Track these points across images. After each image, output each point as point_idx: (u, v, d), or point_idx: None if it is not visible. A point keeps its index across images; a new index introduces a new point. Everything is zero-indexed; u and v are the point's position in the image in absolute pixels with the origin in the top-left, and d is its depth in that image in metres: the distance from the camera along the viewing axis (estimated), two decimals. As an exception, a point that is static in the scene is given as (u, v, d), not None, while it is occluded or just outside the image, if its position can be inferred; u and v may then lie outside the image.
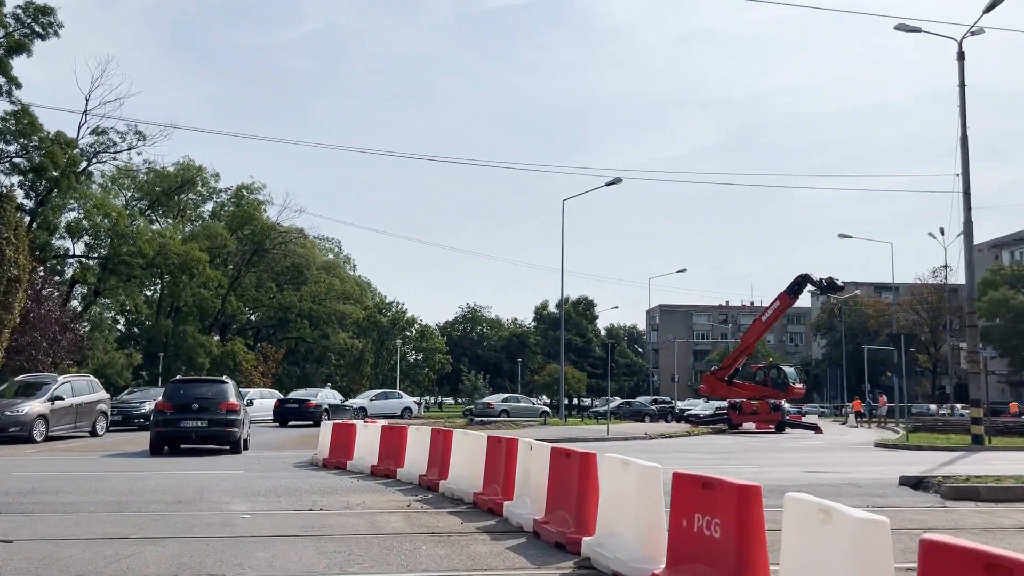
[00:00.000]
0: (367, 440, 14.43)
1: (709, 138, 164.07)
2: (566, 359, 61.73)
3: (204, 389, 18.50)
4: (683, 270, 56.86)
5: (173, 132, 52.21)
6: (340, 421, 17.67)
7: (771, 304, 39.84)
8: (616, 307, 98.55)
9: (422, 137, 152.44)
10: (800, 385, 39.62)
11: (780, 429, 38.59)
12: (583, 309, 68.10)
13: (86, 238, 39.95)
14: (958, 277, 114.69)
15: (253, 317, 68.88)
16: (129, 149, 38.17)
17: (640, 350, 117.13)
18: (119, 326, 60.41)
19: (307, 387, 72.52)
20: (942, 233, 53.62)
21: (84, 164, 39.58)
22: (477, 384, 63.44)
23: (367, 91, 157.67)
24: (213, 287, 55.95)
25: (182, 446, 18.27)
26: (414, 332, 65.16)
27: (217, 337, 60.57)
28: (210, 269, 57.07)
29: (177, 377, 22.68)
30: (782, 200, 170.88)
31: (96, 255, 41.39)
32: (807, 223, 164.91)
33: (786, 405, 40.42)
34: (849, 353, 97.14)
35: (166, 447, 17.84)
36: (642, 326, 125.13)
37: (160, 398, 19.15)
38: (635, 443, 26.55)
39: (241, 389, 32.33)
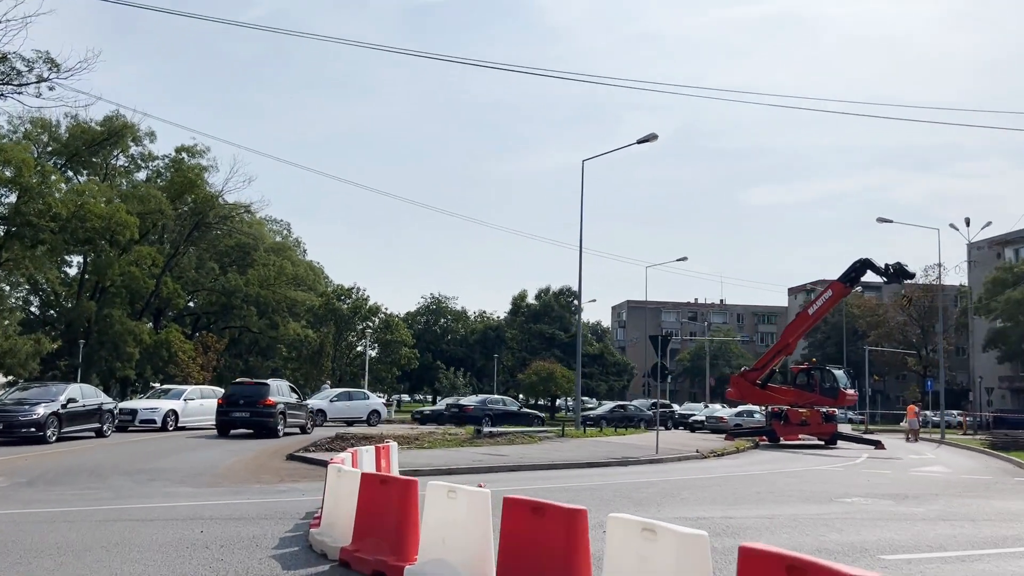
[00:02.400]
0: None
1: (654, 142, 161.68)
2: (549, 355, 55.13)
3: (251, 389, 25.00)
4: (684, 258, 50.74)
5: (95, 81, 43.55)
6: (371, 472, 10.38)
7: (820, 295, 33.75)
8: (594, 300, 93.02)
9: (366, 128, 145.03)
10: (852, 391, 33.57)
11: (832, 442, 32.48)
12: (566, 300, 61.50)
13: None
14: (956, 276, 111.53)
15: (192, 303, 60.54)
16: (39, 82, 30.05)
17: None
18: (32, 308, 51.63)
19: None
20: (967, 224, 48.19)
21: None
22: (456, 382, 56.39)
23: (311, 79, 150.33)
24: (146, 265, 47.76)
25: (231, 431, 24.70)
26: (377, 322, 57.67)
27: (150, 324, 52.30)
28: (143, 246, 48.93)
29: (236, 380, 29.00)
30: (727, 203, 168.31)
31: (-9, 214, 33.07)
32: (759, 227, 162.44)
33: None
34: (830, 355, 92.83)
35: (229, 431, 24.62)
36: (606, 323, 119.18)
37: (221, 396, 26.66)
38: (723, 471, 19.90)
39: (179, 386, 31.87)
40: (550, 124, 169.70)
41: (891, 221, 41.02)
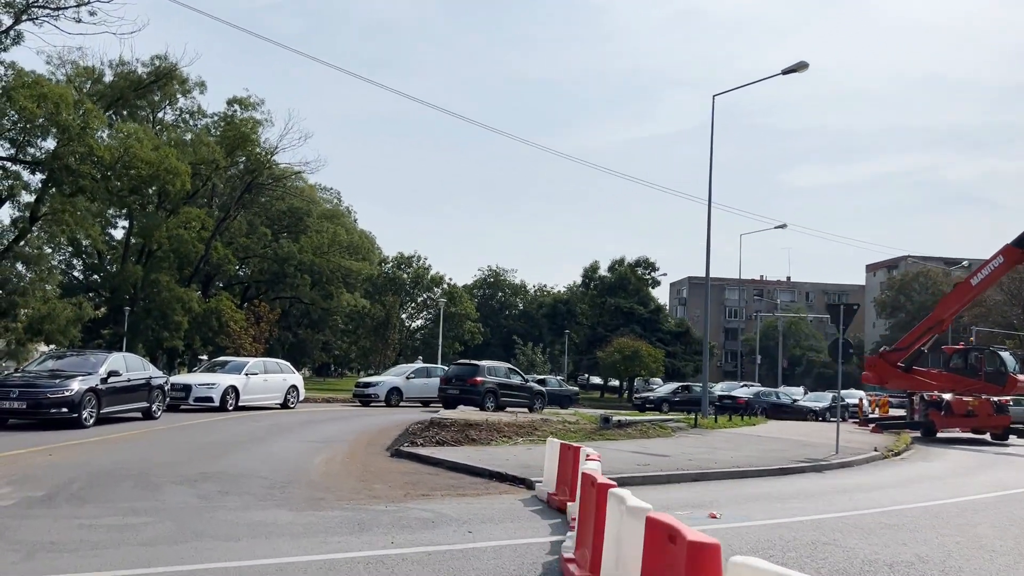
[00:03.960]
0: None
1: (694, 119, 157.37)
2: (628, 331, 50.21)
3: (464, 369, 27.74)
4: (783, 225, 45.30)
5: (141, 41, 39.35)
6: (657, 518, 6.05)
7: (988, 262, 28.28)
8: (666, 274, 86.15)
9: (403, 105, 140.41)
10: (1023, 376, 28.24)
11: (1003, 437, 27.26)
12: (643, 272, 56.41)
13: (10, 132, 27.22)
14: None
15: (242, 270, 56.72)
16: (79, 5, 25.77)
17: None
18: (75, 272, 48.14)
19: (302, 354, 60.58)
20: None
21: (6, 20, 27.22)
22: (535, 359, 51.76)
23: (350, 57, 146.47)
24: (195, 229, 43.90)
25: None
26: (440, 293, 53.28)
27: (199, 291, 48.56)
28: (192, 207, 45.01)
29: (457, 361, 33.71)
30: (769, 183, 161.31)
31: (27, 157, 28.87)
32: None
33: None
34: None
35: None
36: (663, 300, 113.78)
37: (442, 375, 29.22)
38: (951, 480, 14.96)
39: (237, 358, 27.96)
40: (588, 104, 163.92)
41: None
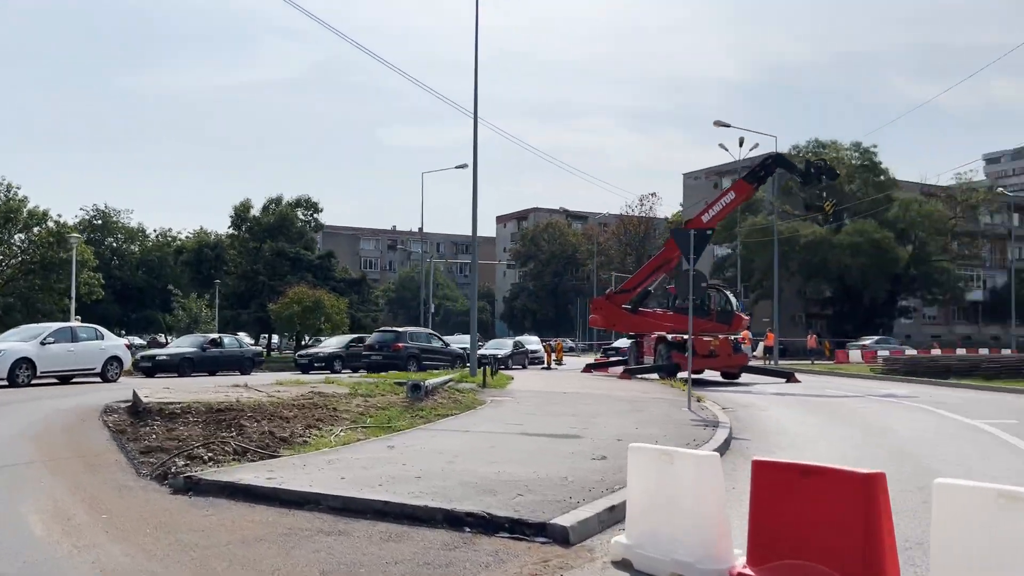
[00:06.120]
0: None
1: (293, 69, 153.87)
2: (298, 280, 43.25)
3: (387, 336, 29.63)
4: (463, 165, 42.31)
5: None
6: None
7: (720, 197, 27.89)
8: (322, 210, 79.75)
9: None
10: (747, 315, 28.52)
11: (736, 376, 27.23)
12: (306, 214, 49.19)
13: None
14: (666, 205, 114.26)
15: None
16: None
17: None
18: None
19: None
20: (740, 145, 46.10)
21: None
22: (199, 315, 41.34)
23: None
24: None
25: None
26: (42, 232, 41.15)
27: None
28: None
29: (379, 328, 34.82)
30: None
31: None
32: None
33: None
34: (547, 285, 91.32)
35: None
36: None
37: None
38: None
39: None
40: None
41: (728, 125, 36.92)
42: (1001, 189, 70.37)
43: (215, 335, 32.14)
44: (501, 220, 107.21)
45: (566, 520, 5.95)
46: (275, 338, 55.45)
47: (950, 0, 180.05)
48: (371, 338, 30.71)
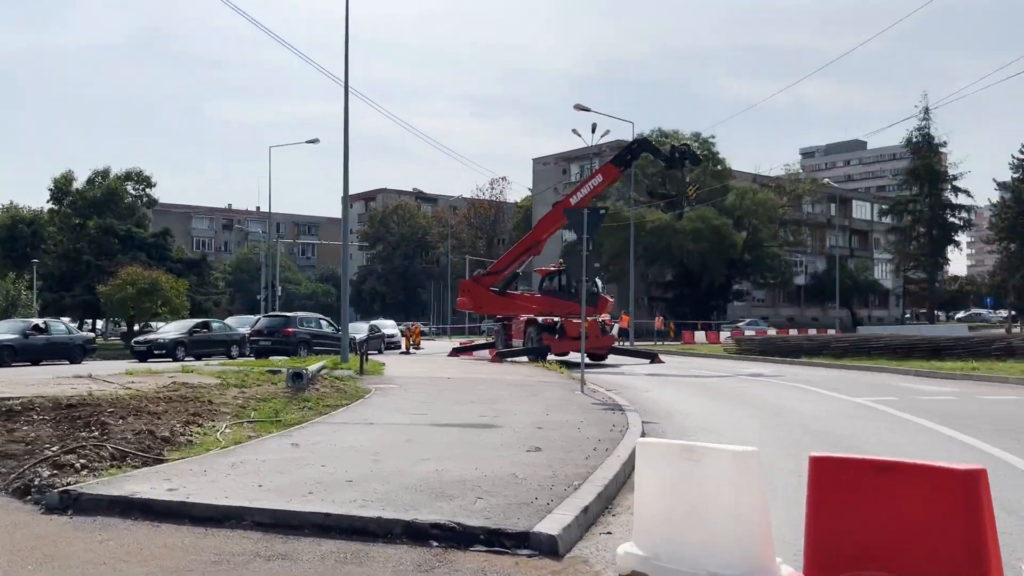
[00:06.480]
0: None
1: (111, 36, 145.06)
2: (130, 260, 39.42)
3: (276, 321, 29.07)
4: (315, 140, 40.11)
5: None
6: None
7: (587, 180, 28.00)
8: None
9: None
10: (611, 298, 28.72)
11: (603, 358, 27.40)
12: (137, 188, 44.79)
13: None
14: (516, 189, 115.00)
15: None
16: None
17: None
18: None
19: None
20: (593, 131, 46.93)
21: None
22: (17, 297, 35.97)
23: None
24: None
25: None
26: None
27: None
28: None
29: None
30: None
31: None
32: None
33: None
34: (398, 268, 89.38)
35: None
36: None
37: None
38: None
39: None
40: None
41: (588, 109, 37.13)
42: (827, 180, 75.84)
43: (38, 320, 28.82)
44: (352, 200, 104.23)
45: (551, 527, 5.22)
46: (99, 323, 50.85)
47: (768, 3, 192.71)
48: (259, 322, 30.21)
